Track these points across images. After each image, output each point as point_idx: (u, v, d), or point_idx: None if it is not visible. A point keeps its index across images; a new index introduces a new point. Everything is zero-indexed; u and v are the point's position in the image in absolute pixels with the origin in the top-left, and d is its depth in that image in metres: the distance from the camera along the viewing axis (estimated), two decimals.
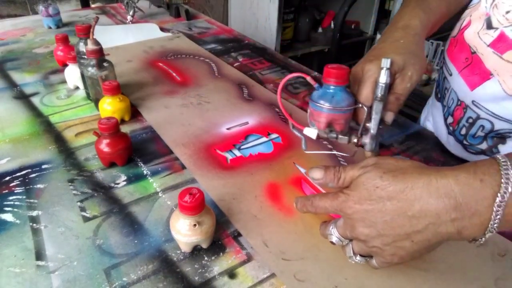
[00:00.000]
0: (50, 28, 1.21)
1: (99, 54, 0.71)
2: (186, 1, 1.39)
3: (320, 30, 2.41)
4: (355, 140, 0.49)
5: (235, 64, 0.98)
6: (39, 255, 0.47)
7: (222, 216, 0.52)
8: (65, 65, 0.87)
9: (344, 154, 0.52)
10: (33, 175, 0.60)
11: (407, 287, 0.44)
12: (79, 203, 0.55)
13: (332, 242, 0.44)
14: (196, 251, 0.48)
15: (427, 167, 0.38)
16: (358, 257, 0.42)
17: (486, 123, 0.58)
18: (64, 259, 0.46)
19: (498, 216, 0.33)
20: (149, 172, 0.61)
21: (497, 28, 0.54)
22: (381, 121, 0.49)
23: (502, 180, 0.33)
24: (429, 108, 0.80)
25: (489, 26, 0.56)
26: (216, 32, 1.22)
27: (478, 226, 0.34)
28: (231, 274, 0.45)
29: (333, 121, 0.48)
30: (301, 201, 0.45)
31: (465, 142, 0.63)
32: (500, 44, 0.54)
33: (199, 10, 1.51)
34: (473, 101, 0.58)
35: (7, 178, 0.59)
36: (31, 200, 0.55)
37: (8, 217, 0.52)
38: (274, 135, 0.69)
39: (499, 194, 0.33)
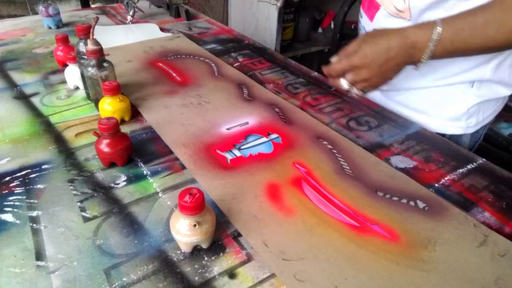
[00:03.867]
0: (50, 28, 1.21)
1: (99, 54, 0.71)
2: (186, 1, 1.39)
3: (320, 30, 2.40)
4: None
5: (235, 64, 0.98)
6: (39, 255, 0.47)
7: (222, 216, 0.52)
8: (65, 65, 0.87)
9: None
10: (33, 175, 0.60)
11: (407, 287, 0.44)
12: (79, 203, 0.55)
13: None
14: (196, 251, 0.48)
15: (390, 31, 0.61)
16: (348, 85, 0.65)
17: None
18: (64, 259, 0.46)
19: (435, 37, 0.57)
20: (149, 172, 0.61)
21: None
22: None
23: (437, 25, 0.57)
24: None
25: None
26: (216, 32, 1.22)
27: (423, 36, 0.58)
28: (231, 274, 0.45)
29: None
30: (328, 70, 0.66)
31: None
32: None
33: (199, 10, 1.51)
34: (374, 30, 0.67)
35: (7, 178, 0.59)
36: (31, 200, 0.55)
37: (8, 217, 0.52)
38: (274, 135, 0.69)
39: (436, 31, 0.57)
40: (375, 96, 0.84)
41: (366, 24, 0.80)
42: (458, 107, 0.74)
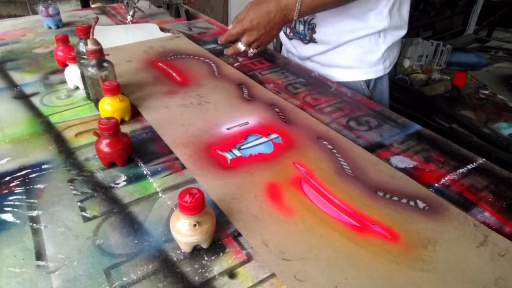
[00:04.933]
0: (50, 28, 1.21)
1: (99, 54, 0.71)
2: (186, 1, 1.39)
3: None
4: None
5: (235, 64, 0.98)
6: (39, 255, 0.47)
7: (222, 216, 0.52)
8: (65, 65, 0.87)
9: None
10: (33, 175, 0.60)
11: (407, 287, 0.44)
12: (79, 203, 0.55)
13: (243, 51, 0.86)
14: (196, 251, 0.48)
15: None
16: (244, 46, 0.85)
17: (300, 18, 0.88)
18: (64, 259, 0.46)
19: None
20: (149, 172, 0.61)
21: None
22: None
23: None
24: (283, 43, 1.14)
25: None
26: (216, 32, 1.22)
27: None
28: (231, 274, 0.45)
29: None
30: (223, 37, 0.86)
31: (297, 35, 1.00)
32: None
33: (199, 10, 1.51)
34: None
35: (7, 178, 0.59)
36: (31, 200, 0.55)
37: (8, 217, 0.52)
38: (274, 135, 0.69)
39: None
40: (309, 66, 1.00)
41: None
42: (375, 55, 0.93)
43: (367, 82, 0.97)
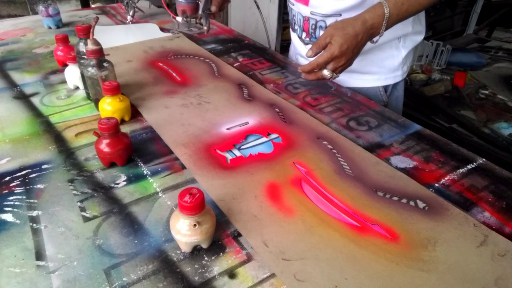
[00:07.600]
0: (50, 28, 1.21)
1: (99, 54, 0.71)
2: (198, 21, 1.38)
3: None
4: (197, 21, 0.90)
5: (235, 64, 0.98)
6: (39, 255, 0.47)
7: (222, 216, 0.52)
8: (65, 65, 0.87)
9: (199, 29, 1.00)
10: (33, 175, 0.60)
11: (407, 287, 0.44)
12: (79, 203, 0.55)
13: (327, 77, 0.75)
14: (196, 251, 0.48)
15: (351, 20, 0.73)
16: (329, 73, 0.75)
17: (322, 23, 0.89)
18: (64, 259, 0.46)
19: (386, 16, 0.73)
20: (149, 172, 0.61)
21: None
22: (210, 11, 0.91)
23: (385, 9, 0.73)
24: (292, 46, 1.08)
25: None
26: (216, 32, 1.22)
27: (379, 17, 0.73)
28: (231, 274, 0.45)
29: (185, 9, 0.89)
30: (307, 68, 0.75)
31: (314, 40, 0.92)
32: None
33: None
34: (311, 12, 0.86)
35: (7, 178, 0.59)
36: (31, 200, 0.55)
37: (8, 217, 0.52)
38: (274, 135, 0.69)
39: (385, 11, 0.73)
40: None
41: (301, 9, 0.92)
42: (395, 60, 0.93)
43: (386, 87, 0.95)
